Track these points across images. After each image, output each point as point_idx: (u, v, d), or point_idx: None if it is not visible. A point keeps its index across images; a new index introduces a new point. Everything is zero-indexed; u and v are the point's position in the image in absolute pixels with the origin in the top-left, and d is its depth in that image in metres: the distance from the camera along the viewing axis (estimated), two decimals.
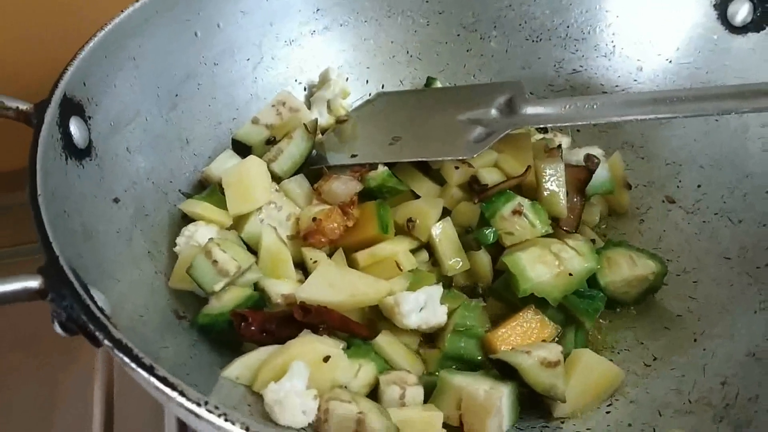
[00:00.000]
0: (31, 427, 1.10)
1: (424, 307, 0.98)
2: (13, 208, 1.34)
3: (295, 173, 1.14)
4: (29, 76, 1.10)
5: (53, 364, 1.18)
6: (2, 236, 1.37)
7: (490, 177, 1.10)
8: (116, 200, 0.98)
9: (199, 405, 0.60)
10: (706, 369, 0.96)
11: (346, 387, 0.91)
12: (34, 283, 0.70)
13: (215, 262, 0.95)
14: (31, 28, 1.29)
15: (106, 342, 0.66)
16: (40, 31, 1.29)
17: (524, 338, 0.99)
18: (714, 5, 1.20)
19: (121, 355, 0.64)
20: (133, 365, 0.63)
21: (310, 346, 0.90)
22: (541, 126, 1.23)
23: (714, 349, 0.98)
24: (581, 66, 1.33)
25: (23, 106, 0.89)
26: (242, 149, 1.19)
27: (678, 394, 0.94)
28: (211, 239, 0.98)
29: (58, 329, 0.70)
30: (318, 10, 1.30)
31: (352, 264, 1.06)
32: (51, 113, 0.87)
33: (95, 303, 0.70)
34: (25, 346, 1.20)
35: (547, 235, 1.06)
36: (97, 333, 0.66)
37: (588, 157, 1.14)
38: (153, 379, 0.62)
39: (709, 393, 0.92)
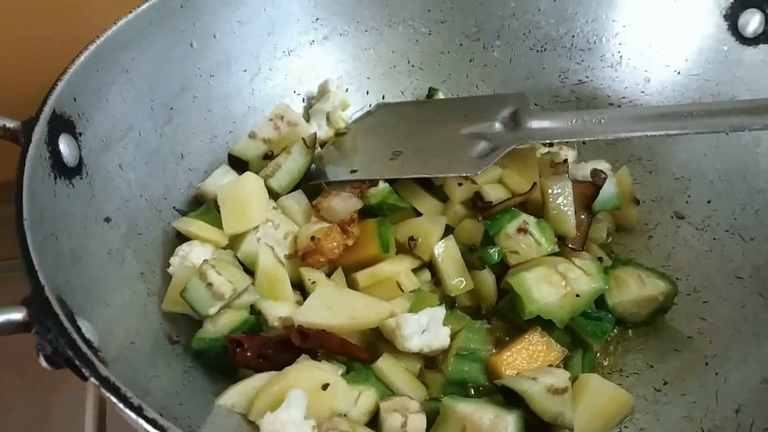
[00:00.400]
0: None
1: (426, 329, 0.95)
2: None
3: (293, 189, 1.11)
4: (17, 91, 1.07)
5: (45, 383, 1.16)
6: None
7: (494, 194, 1.07)
8: (107, 219, 0.95)
9: None
10: (718, 395, 0.93)
11: (345, 415, 0.88)
12: (17, 316, 0.67)
13: (210, 284, 0.92)
14: (21, 41, 1.26)
15: (92, 379, 0.62)
16: (29, 45, 1.26)
17: (530, 362, 0.96)
18: (724, 16, 1.16)
19: (108, 394, 0.61)
20: (121, 405, 0.60)
21: (308, 373, 0.87)
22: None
23: (726, 374, 0.95)
24: (587, 77, 1.30)
25: (10, 124, 0.86)
26: (239, 164, 1.16)
27: (690, 421, 0.91)
28: (205, 261, 0.95)
29: (43, 363, 0.67)
30: (317, 19, 1.27)
31: (351, 284, 1.03)
32: (39, 131, 0.84)
33: (82, 336, 0.66)
34: (17, 366, 1.17)
35: (554, 254, 1.03)
36: (83, 369, 0.63)
37: (595, 173, 1.11)
38: (141, 421, 0.59)
39: (723, 421, 0.89)
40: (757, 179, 1.10)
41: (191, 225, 1.03)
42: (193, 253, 0.99)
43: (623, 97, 1.27)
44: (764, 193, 1.09)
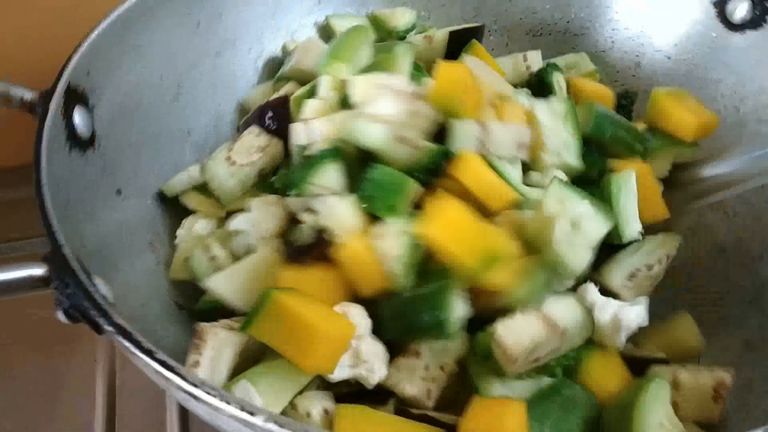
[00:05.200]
0: (35, 418, 1.11)
1: None
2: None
3: None
4: (34, 65, 1.10)
5: (55, 356, 1.18)
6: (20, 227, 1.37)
7: None
8: (119, 191, 1.00)
9: (196, 387, 0.62)
10: (700, 358, 0.98)
11: None
12: (38, 271, 0.71)
13: (213, 258, 0.96)
14: (37, 17, 1.30)
15: (107, 328, 0.67)
16: (45, 21, 1.29)
17: None
18: (713, 3, 1.21)
19: (122, 340, 0.65)
20: (134, 349, 0.65)
21: None
22: None
23: (709, 339, 0.99)
24: None
25: (28, 95, 0.90)
26: None
27: None
28: (212, 233, 0.99)
29: (61, 317, 0.71)
30: (320, 2, 1.31)
31: None
32: (55, 102, 0.88)
33: (97, 290, 0.71)
34: (27, 339, 1.20)
35: None
36: (98, 319, 0.68)
37: None
38: (153, 363, 0.64)
39: None
40: None
41: (194, 198, 1.08)
42: (198, 225, 1.04)
43: (615, 81, 1.31)
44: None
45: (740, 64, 1.18)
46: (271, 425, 0.60)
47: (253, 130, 1.08)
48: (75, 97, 0.93)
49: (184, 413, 1.09)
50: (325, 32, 1.32)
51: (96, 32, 0.97)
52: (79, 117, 0.92)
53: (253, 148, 1.06)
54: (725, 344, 0.98)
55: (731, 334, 0.98)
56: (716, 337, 1.00)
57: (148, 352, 0.64)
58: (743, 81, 1.17)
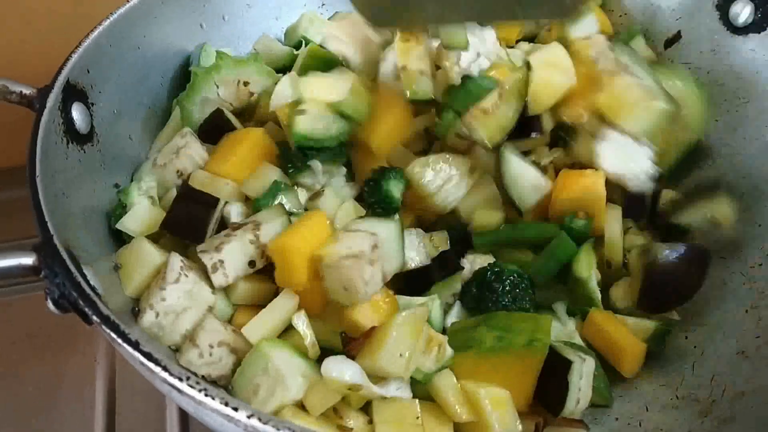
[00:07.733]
0: (35, 418, 1.11)
1: None
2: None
3: None
4: (35, 62, 1.11)
5: (55, 356, 1.19)
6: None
7: None
8: (117, 186, 1.00)
9: (180, 380, 0.62)
10: (695, 366, 0.97)
11: None
12: (28, 260, 0.71)
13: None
14: (38, 14, 1.31)
15: (94, 318, 0.67)
16: (46, 18, 1.31)
17: None
18: (716, 6, 1.20)
19: (108, 330, 0.66)
20: (120, 341, 0.65)
21: None
22: None
23: (704, 347, 0.99)
24: None
25: (27, 91, 0.91)
26: None
27: (666, 389, 0.95)
28: None
29: (50, 306, 0.72)
30: (323, 3, 1.32)
31: None
32: (53, 98, 0.89)
33: (87, 281, 0.71)
34: (27, 339, 1.21)
35: None
36: (86, 309, 0.68)
37: None
38: (138, 354, 0.64)
39: (697, 389, 0.93)
40: (743, 165, 1.13)
41: None
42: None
43: None
44: (748, 178, 1.12)
45: (743, 68, 1.17)
46: (254, 421, 0.60)
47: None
48: (74, 93, 0.94)
49: (184, 413, 1.09)
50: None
51: (97, 31, 0.99)
52: (77, 113, 0.94)
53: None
54: (719, 352, 0.97)
55: (727, 342, 0.97)
56: (710, 344, 0.99)
57: (134, 344, 0.65)
58: (746, 84, 1.16)
